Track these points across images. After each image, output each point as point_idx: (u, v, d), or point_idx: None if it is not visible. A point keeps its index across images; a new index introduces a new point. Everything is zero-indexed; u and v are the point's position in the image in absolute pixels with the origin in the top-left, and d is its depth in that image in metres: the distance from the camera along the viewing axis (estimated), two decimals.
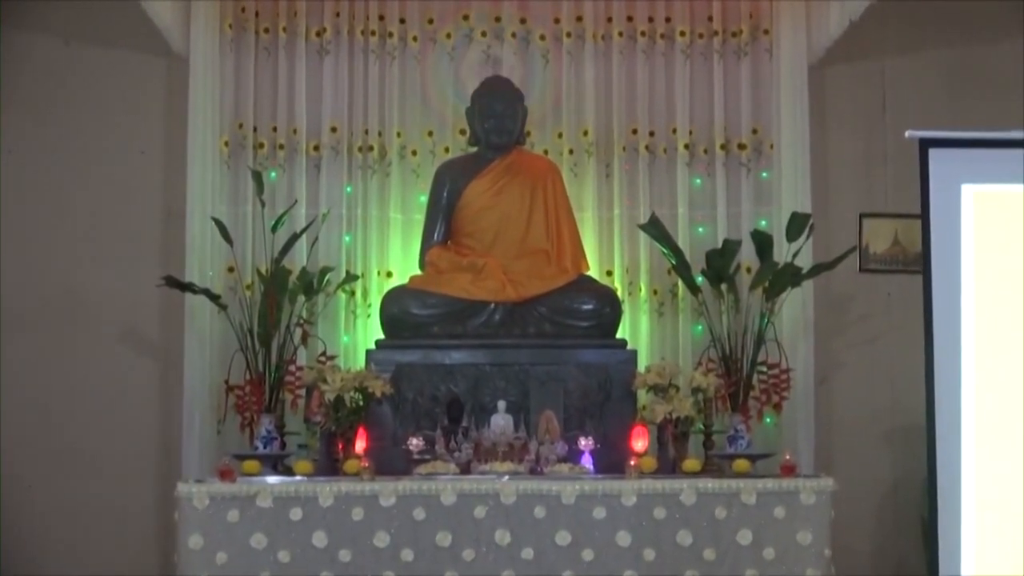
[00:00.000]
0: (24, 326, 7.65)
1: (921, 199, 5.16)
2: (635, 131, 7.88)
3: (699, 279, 7.48)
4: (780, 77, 7.81)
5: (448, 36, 7.96)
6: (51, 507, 7.57)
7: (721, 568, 6.10)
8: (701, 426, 7.05)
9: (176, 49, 7.68)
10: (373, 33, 7.87)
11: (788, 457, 6.41)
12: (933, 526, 5.16)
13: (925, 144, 5.16)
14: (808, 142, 7.73)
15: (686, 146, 7.84)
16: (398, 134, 7.85)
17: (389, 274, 7.75)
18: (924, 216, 5.15)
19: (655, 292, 7.79)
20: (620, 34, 7.91)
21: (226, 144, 7.71)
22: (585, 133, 7.88)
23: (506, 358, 6.97)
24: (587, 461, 6.52)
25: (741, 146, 7.86)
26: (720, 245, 7.50)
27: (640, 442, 6.42)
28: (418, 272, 7.48)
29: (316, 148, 7.77)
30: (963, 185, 5.13)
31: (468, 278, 7.21)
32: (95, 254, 7.75)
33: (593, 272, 7.57)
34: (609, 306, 7.22)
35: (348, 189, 7.79)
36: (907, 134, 5.21)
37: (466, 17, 7.99)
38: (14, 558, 7.49)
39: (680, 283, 7.62)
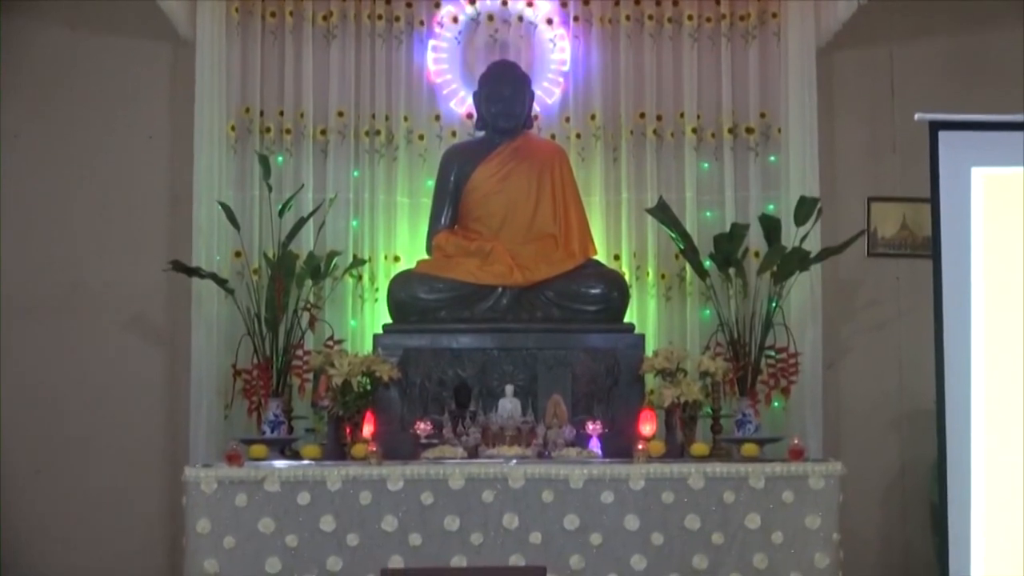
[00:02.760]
0: (31, 312, 7.65)
1: (931, 182, 5.14)
2: (642, 115, 7.86)
3: (707, 263, 7.47)
4: (788, 61, 7.79)
5: (455, 20, 7.94)
6: (59, 492, 7.58)
7: (729, 552, 6.10)
8: (709, 410, 7.05)
9: (182, 34, 7.67)
10: (380, 17, 7.86)
11: (796, 441, 6.41)
12: (943, 512, 5.15)
13: (935, 127, 5.14)
14: (816, 126, 7.71)
15: (694, 130, 7.82)
16: (405, 118, 7.83)
17: (396, 258, 7.74)
18: (934, 199, 5.13)
19: (663, 276, 7.78)
20: (627, 18, 7.89)
21: (233, 129, 7.70)
22: (593, 117, 7.87)
23: (514, 342, 6.97)
24: (595, 445, 6.53)
25: (749, 130, 7.84)
26: (728, 229, 7.48)
27: (648, 426, 6.43)
28: (425, 256, 7.47)
29: (323, 132, 7.76)
30: (973, 168, 5.11)
31: (475, 263, 7.21)
32: (102, 239, 7.75)
33: (601, 256, 7.56)
34: (617, 290, 7.22)
35: (355, 173, 7.78)
36: (917, 117, 5.19)
37: (472, 1, 7.97)
38: (22, 543, 7.51)
39: (688, 267, 7.61)
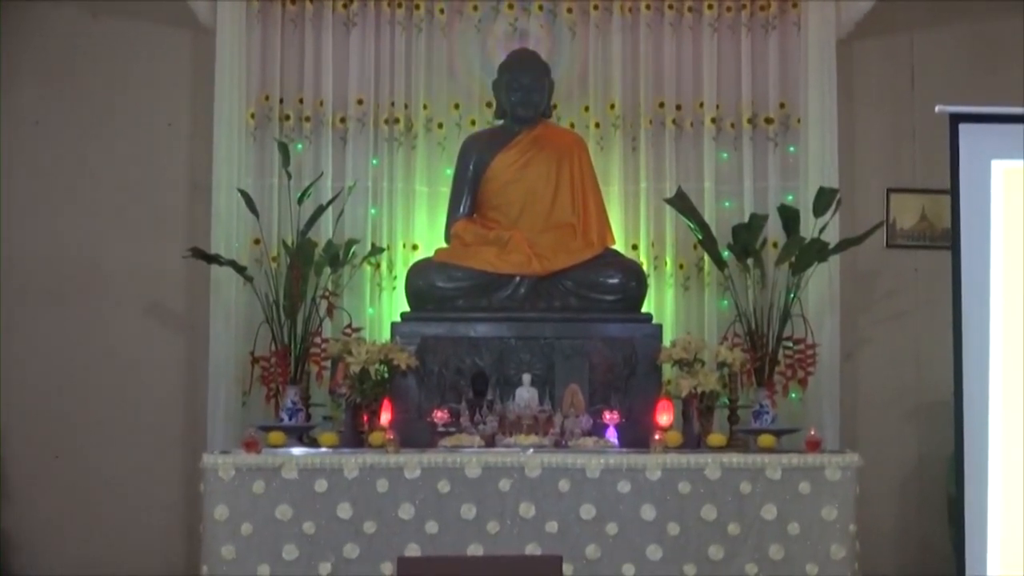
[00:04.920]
0: (50, 297, 7.69)
1: (951, 175, 5.13)
2: (662, 105, 7.84)
3: (725, 254, 7.46)
4: (808, 51, 7.76)
5: (475, 8, 7.93)
6: (76, 477, 7.62)
7: (745, 543, 6.10)
8: (726, 401, 7.05)
9: (203, 21, 7.67)
10: (400, 5, 7.84)
11: (813, 432, 6.41)
12: (960, 504, 5.15)
13: (956, 119, 5.12)
14: (835, 116, 7.68)
15: (713, 120, 7.80)
16: (424, 106, 7.83)
17: (415, 247, 7.74)
18: (954, 192, 5.12)
19: (681, 266, 7.77)
20: (647, 7, 7.87)
21: (252, 116, 7.70)
22: (612, 106, 7.85)
23: (531, 331, 6.97)
24: (612, 435, 6.53)
25: (768, 120, 7.82)
26: (746, 220, 7.48)
27: (665, 416, 6.42)
28: (444, 245, 7.47)
29: (342, 120, 7.76)
30: (993, 161, 5.09)
31: (494, 251, 7.20)
32: (121, 226, 7.77)
33: (619, 246, 7.55)
34: (635, 280, 7.21)
35: (374, 161, 7.78)
36: (937, 109, 5.17)
37: None
38: (39, 528, 7.55)
39: (706, 257, 7.60)
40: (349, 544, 6.05)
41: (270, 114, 7.75)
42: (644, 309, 7.29)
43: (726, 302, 7.63)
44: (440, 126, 7.85)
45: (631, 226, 7.79)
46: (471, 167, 7.52)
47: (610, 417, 6.57)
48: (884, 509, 7.60)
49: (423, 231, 7.77)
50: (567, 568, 5.78)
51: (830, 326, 7.56)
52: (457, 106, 7.88)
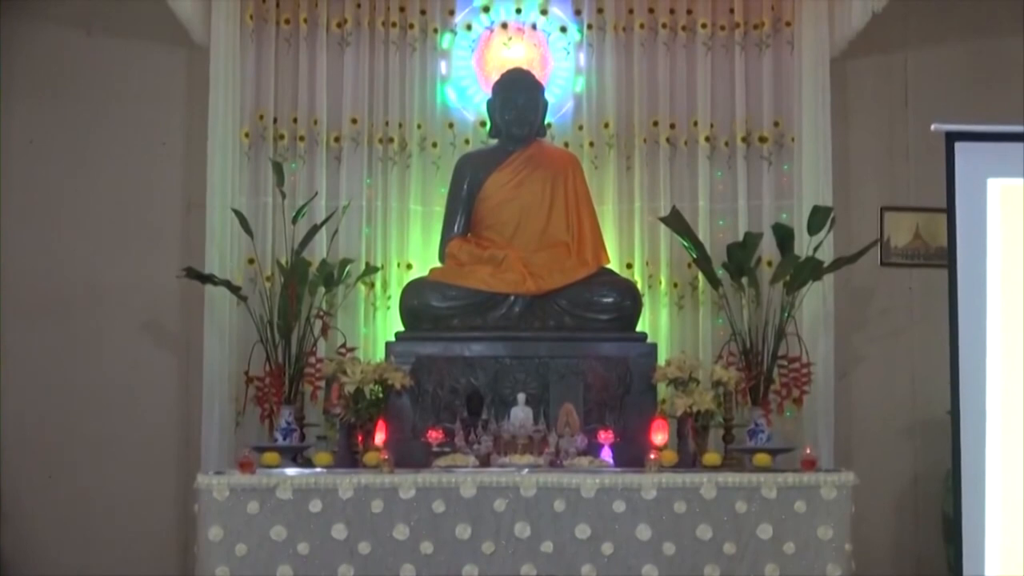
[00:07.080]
0: (45, 316, 7.67)
1: (947, 193, 5.12)
2: (656, 124, 7.85)
3: (720, 272, 7.46)
4: (802, 70, 7.78)
5: (468, 28, 7.95)
6: (71, 496, 7.60)
7: (741, 562, 6.08)
8: (721, 420, 7.03)
9: (197, 40, 7.68)
10: (394, 24, 7.86)
11: (809, 451, 6.40)
12: (957, 522, 5.13)
13: (951, 138, 5.12)
14: (830, 135, 7.69)
15: (707, 139, 7.82)
16: (418, 126, 7.84)
17: (409, 266, 7.74)
18: (950, 210, 5.11)
19: (675, 285, 7.77)
20: (641, 26, 7.89)
21: (246, 135, 7.70)
22: (606, 125, 7.86)
23: (526, 351, 6.96)
24: (607, 454, 6.52)
25: (762, 139, 7.83)
26: (741, 238, 7.48)
27: (660, 436, 6.41)
28: (438, 264, 7.47)
29: (336, 140, 7.76)
30: (989, 179, 5.09)
31: (488, 270, 7.21)
32: (116, 245, 7.77)
33: (613, 265, 7.56)
34: (629, 299, 7.21)
35: (368, 181, 7.78)
36: (933, 127, 5.17)
37: (487, 9, 7.97)
38: (33, 548, 7.52)
39: (700, 276, 7.60)
40: (344, 565, 6.01)
41: (264, 133, 7.75)
42: (639, 328, 7.29)
43: (721, 321, 7.63)
44: (434, 145, 7.86)
45: (625, 245, 7.80)
46: (465, 186, 7.53)
47: (605, 436, 6.55)
48: (880, 527, 7.59)
49: (417, 250, 7.77)
50: None
51: (825, 344, 7.55)
52: (451, 125, 7.89)
